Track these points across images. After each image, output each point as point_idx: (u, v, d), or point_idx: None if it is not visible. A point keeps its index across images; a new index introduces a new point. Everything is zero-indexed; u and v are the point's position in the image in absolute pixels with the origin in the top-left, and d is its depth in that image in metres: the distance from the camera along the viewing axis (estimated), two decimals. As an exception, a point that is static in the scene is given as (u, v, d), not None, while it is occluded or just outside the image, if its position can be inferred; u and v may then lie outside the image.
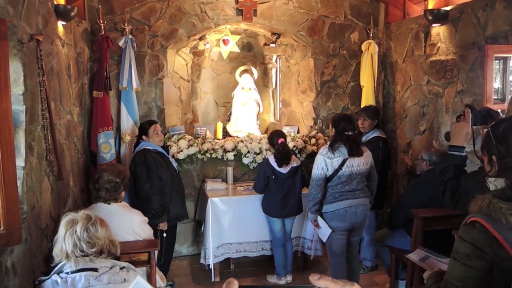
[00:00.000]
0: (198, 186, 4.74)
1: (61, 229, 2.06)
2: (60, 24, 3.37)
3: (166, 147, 4.06)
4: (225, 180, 4.69)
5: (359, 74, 4.90)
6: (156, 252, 2.85)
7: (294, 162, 4.01)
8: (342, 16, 4.94)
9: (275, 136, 4.05)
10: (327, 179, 3.44)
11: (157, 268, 2.87)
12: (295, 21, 4.83)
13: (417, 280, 3.25)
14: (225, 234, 4.17)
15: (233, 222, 4.19)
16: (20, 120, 2.46)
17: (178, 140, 4.58)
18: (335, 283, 0.70)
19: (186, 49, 5.10)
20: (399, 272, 3.77)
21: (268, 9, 4.73)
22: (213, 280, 4.14)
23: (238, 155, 4.70)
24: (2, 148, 2.14)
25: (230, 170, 4.68)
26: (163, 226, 3.73)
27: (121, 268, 2.09)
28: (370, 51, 4.73)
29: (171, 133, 4.70)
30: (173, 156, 4.32)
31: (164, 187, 3.71)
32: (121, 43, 4.22)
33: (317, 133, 4.99)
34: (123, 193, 3.00)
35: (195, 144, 4.59)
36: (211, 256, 4.07)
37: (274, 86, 6.03)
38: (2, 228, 2.17)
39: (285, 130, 4.98)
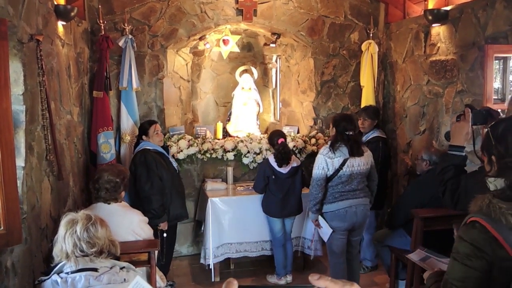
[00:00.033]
0: (198, 186, 4.74)
1: (61, 229, 2.06)
2: (60, 24, 3.37)
3: (166, 147, 4.06)
4: (225, 180, 4.69)
5: (359, 74, 4.90)
6: (157, 252, 2.85)
7: (294, 162, 4.01)
8: (342, 16, 4.94)
9: (275, 136, 4.05)
10: (328, 179, 3.44)
11: (157, 268, 2.87)
12: (295, 21, 4.83)
13: (417, 280, 3.25)
14: (225, 234, 4.17)
15: (233, 222, 4.19)
16: (20, 120, 2.46)
17: (178, 140, 4.58)
18: (335, 283, 0.70)
19: (186, 49, 5.10)
20: (399, 272, 3.77)
21: (268, 9, 4.73)
22: (213, 280, 4.14)
23: (238, 155, 4.70)
24: (2, 148, 2.14)
25: (230, 170, 4.68)
26: (163, 226, 3.73)
27: (121, 268, 2.09)
28: (370, 51, 4.73)
29: (171, 133, 4.70)
30: (173, 156, 4.32)
31: (164, 187, 3.71)
32: (121, 43, 4.22)
33: (317, 133, 4.99)
34: (123, 193, 3.00)
35: (195, 144, 4.59)
36: (211, 256, 4.07)
37: (274, 86, 6.03)
38: (2, 228, 2.17)
39: (285, 130, 4.98)
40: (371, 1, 4.96)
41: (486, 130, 1.65)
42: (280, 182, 3.96)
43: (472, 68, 3.59)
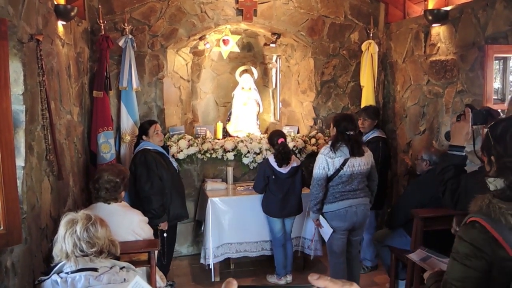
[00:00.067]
0: (198, 186, 4.74)
1: (61, 229, 2.06)
2: (60, 24, 3.37)
3: (166, 147, 4.06)
4: (225, 180, 4.69)
5: (359, 74, 4.90)
6: (157, 252, 2.85)
7: (294, 162, 4.01)
8: (342, 16, 4.94)
9: (275, 136, 4.05)
10: (328, 179, 3.44)
11: (157, 268, 2.86)
12: (295, 21, 4.84)
13: (417, 280, 3.25)
14: (225, 234, 4.17)
15: (233, 222, 4.19)
16: (20, 120, 2.46)
17: (178, 140, 4.58)
18: (334, 283, 0.70)
19: (186, 49, 5.10)
20: (399, 272, 3.77)
21: (268, 9, 4.73)
22: (213, 280, 4.14)
23: (238, 155, 4.70)
24: (2, 148, 2.14)
25: (230, 170, 4.68)
26: (163, 226, 3.73)
27: (121, 268, 2.09)
28: (370, 51, 4.73)
29: (171, 133, 4.70)
30: (173, 156, 4.32)
31: (164, 187, 3.71)
32: (121, 43, 4.22)
33: (317, 133, 4.99)
34: (123, 193, 3.00)
35: (195, 144, 4.59)
36: (211, 256, 4.07)
37: (274, 86, 6.03)
38: (2, 228, 2.17)
39: (285, 130, 4.98)
40: (371, 1, 4.97)
41: (486, 130, 1.65)
42: (280, 182, 3.96)
43: (472, 68, 3.59)
